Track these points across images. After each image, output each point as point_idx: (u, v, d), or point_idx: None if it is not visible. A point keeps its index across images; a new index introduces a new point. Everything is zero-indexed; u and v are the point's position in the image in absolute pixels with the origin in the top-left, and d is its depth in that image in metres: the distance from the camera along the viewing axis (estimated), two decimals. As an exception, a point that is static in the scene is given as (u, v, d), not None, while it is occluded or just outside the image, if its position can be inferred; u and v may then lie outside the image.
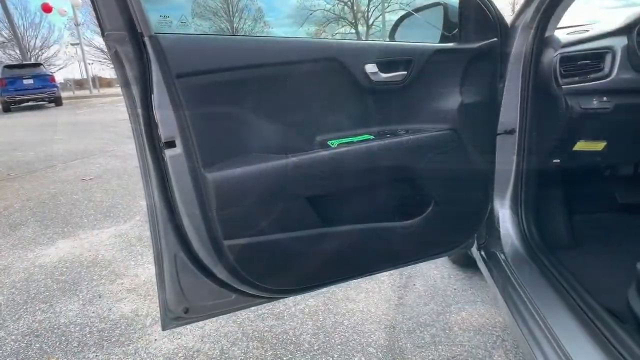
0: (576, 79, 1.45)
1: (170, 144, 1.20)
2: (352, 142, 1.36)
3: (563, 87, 1.45)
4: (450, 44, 1.53)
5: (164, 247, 1.33)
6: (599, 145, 1.57)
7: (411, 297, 2.23)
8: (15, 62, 23.01)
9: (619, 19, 1.61)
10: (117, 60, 1.17)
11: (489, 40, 1.50)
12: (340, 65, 1.32)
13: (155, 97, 1.15)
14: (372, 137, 1.41)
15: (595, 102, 1.44)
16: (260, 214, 1.26)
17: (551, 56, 1.49)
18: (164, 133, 1.17)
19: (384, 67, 1.39)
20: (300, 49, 1.28)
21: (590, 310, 1.34)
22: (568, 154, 1.64)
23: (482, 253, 1.93)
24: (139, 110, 1.19)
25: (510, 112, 1.67)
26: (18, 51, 27.80)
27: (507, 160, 1.74)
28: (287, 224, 1.30)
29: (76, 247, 3.17)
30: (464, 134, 1.52)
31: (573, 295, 1.46)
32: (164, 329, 1.41)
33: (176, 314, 1.39)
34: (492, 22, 1.49)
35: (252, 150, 1.29)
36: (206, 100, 1.19)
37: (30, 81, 15.94)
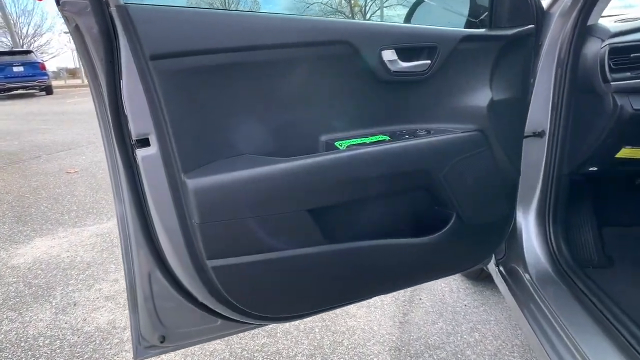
0: (628, 74, 1.25)
1: (143, 142, 0.97)
2: (364, 144, 1.14)
3: (612, 83, 1.24)
4: (481, 30, 1.31)
5: (137, 265, 1.11)
6: None
7: (417, 314, 2.03)
8: (4, 49, 22.49)
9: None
10: (78, 36, 0.94)
11: (525, 27, 1.29)
12: (353, 50, 1.10)
13: (124, 84, 0.92)
14: (387, 137, 1.19)
15: None
16: (253, 229, 1.04)
17: (597, 47, 1.28)
18: (135, 129, 0.95)
19: (404, 54, 1.17)
20: (305, 30, 1.06)
21: (632, 336, 1.15)
22: (608, 161, 1.44)
23: (501, 269, 1.73)
24: (106, 100, 0.97)
25: (539, 111, 1.46)
26: (10, 38, 27.19)
27: (533, 166, 1.53)
28: (284, 241, 1.08)
29: (54, 247, 2.93)
30: (491, 137, 1.31)
31: (610, 319, 1.27)
32: (136, 359, 1.20)
33: (151, 342, 1.17)
34: (529, 5, 1.27)
35: (243, 152, 1.07)
36: (188, 88, 0.96)
37: (21, 68, 15.50)
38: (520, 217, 1.61)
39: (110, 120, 0.98)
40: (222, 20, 0.98)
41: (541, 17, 1.35)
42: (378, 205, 1.21)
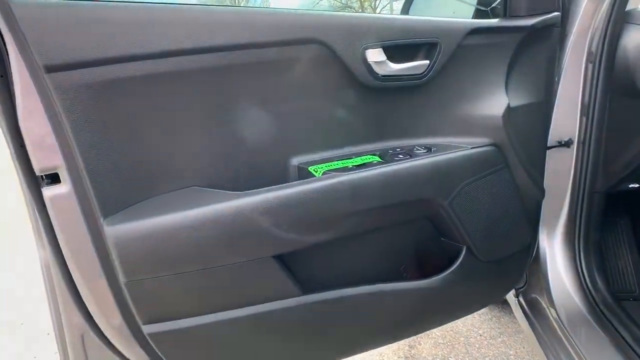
0: None
1: (53, 178, 0.75)
2: (346, 168, 0.90)
3: None
4: (493, 21, 1.06)
5: (66, 325, 0.89)
6: None
7: (426, 347, 1.78)
8: None
9: None
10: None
11: (548, 15, 1.03)
12: (328, 50, 0.86)
13: (18, 105, 0.70)
14: (377, 158, 0.95)
15: None
16: (198, 285, 0.81)
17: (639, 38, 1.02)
18: (38, 161, 0.73)
19: (396, 53, 0.93)
20: (264, 26, 0.82)
21: None
22: None
23: (521, 300, 1.48)
24: (4, 124, 0.75)
25: (566, 117, 1.20)
26: None
27: (559, 181, 1.27)
28: (243, 295, 0.85)
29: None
30: (509, 152, 1.06)
31: None
32: None
33: None
34: None
35: (188, 184, 0.84)
36: (105, 107, 0.74)
37: None
38: (544, 240, 1.35)
39: (12, 149, 0.76)
40: (147, 17, 0.75)
41: (567, 2, 1.10)
42: (367, 244, 0.97)
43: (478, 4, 1.14)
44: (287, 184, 0.84)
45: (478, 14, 1.15)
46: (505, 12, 1.06)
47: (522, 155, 1.08)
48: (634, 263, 1.38)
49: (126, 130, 0.76)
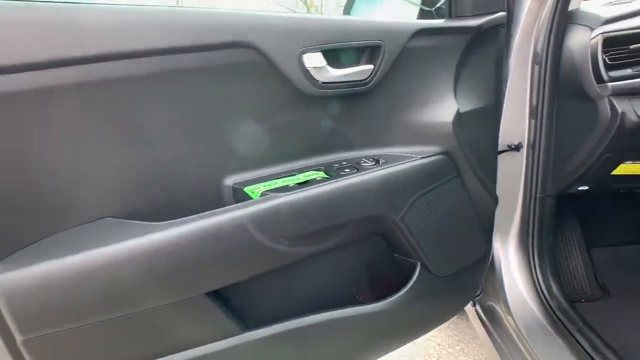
0: (629, 71, 0.97)
1: None
2: (286, 187, 0.80)
3: (609, 84, 0.96)
4: (439, 21, 1.00)
5: None
6: None
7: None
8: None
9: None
10: None
11: (494, 15, 0.99)
12: (258, 54, 0.75)
13: None
14: (322, 173, 0.86)
15: None
16: (119, 336, 0.68)
17: (585, 38, 1.00)
18: None
19: (337, 58, 0.84)
20: (184, 28, 0.70)
21: None
22: (603, 178, 1.18)
23: (478, 309, 1.44)
24: None
25: (514, 120, 1.17)
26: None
27: (510, 186, 1.24)
28: (177, 341, 0.73)
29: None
30: (460, 159, 1.00)
31: None
32: None
33: None
34: None
35: (100, 214, 0.71)
36: None
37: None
38: (498, 246, 1.32)
39: None
40: (41, 18, 0.61)
41: (512, 2, 1.06)
42: (315, 269, 0.88)
43: (422, 4, 1.08)
44: (219, 209, 0.73)
45: (423, 14, 1.10)
46: (451, 12, 1.00)
47: (473, 163, 1.03)
48: (584, 264, 1.38)
49: (16, 152, 0.62)
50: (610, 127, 0.97)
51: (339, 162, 0.90)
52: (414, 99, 0.96)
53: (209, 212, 0.72)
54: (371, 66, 0.86)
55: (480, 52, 0.99)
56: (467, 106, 0.99)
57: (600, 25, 0.97)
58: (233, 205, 0.74)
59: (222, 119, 0.78)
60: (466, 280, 1.14)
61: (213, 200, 0.80)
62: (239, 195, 0.79)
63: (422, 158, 0.93)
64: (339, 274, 0.93)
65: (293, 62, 0.78)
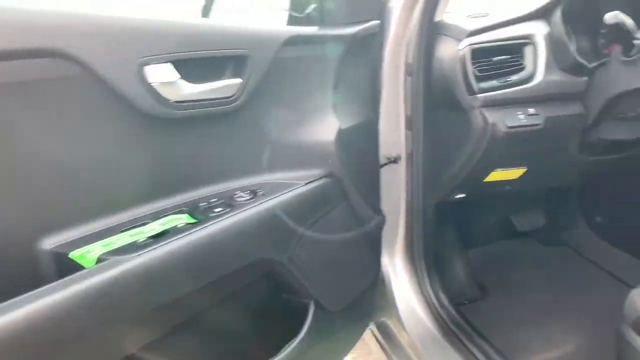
0: (495, 82, 0.99)
1: None
2: (136, 244, 0.59)
3: (479, 95, 0.97)
4: (312, 29, 0.89)
5: None
6: (518, 173, 1.16)
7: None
8: None
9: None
10: None
11: (369, 23, 0.92)
12: (78, 66, 0.54)
13: None
14: (185, 216, 0.67)
15: (521, 116, 0.99)
16: None
17: (453, 50, 0.99)
18: None
19: (193, 70, 0.67)
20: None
21: None
22: (477, 186, 1.21)
23: (372, 327, 1.39)
24: None
25: (391, 131, 1.13)
26: None
27: (393, 199, 1.21)
28: None
29: None
30: (345, 180, 0.91)
31: None
32: None
33: None
34: None
35: None
36: None
37: None
38: (386, 262, 1.27)
39: None
40: None
41: (383, 10, 1.01)
42: (188, 339, 0.69)
43: (291, 9, 0.97)
44: (30, 294, 0.50)
45: (292, 20, 0.98)
46: (323, 17, 0.90)
47: (358, 182, 0.95)
48: (463, 267, 1.42)
49: None
50: (483, 137, 0.98)
51: (207, 199, 0.72)
52: (290, 117, 0.83)
53: (12, 301, 0.48)
54: (238, 80, 0.71)
55: (356, 63, 0.91)
56: (348, 121, 0.89)
57: (466, 37, 0.97)
58: (52, 285, 0.51)
59: (29, 153, 0.54)
60: (362, 307, 1.06)
61: (25, 274, 0.55)
62: (64, 264, 0.56)
63: (305, 184, 0.81)
64: (223, 335, 0.76)
65: (130, 76, 0.58)
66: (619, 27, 0.83)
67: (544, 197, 1.55)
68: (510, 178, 1.15)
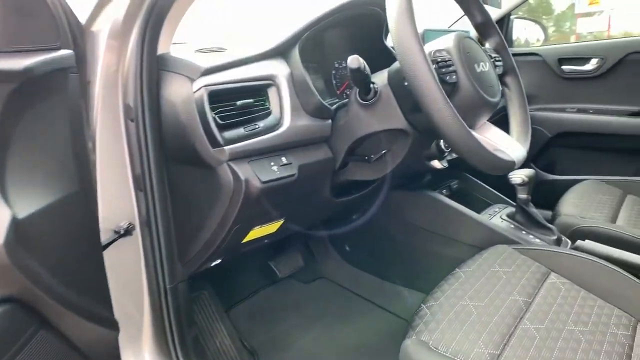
0: (242, 131, 0.81)
1: None
2: None
3: (226, 148, 0.77)
4: None
5: None
6: (276, 225, 1.03)
7: None
8: None
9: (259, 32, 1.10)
10: None
11: (53, 54, 0.61)
12: None
13: None
14: None
15: (275, 167, 0.83)
16: None
17: (186, 92, 0.77)
18: None
19: None
20: None
21: None
22: (234, 248, 1.02)
23: None
24: None
25: (115, 195, 0.85)
26: None
27: (130, 282, 0.92)
28: None
29: None
30: (39, 296, 0.57)
31: None
32: None
33: None
34: (53, 14, 0.61)
35: None
36: None
37: None
38: None
39: None
40: None
41: (79, 35, 0.72)
42: None
43: None
44: None
45: None
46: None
47: (66, 289, 0.63)
48: (228, 334, 1.23)
49: None
50: (236, 197, 0.81)
51: None
52: None
53: None
54: None
55: (37, 113, 0.59)
56: (32, 205, 0.57)
57: (201, 77, 0.78)
58: None
59: None
60: None
61: None
62: None
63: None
64: None
65: None
66: (360, 71, 0.80)
67: (300, 238, 1.53)
68: (270, 232, 1.03)
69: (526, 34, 2.31)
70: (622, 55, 1.69)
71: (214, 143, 0.78)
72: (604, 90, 1.77)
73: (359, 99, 0.90)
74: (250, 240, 0.99)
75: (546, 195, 1.55)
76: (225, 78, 0.81)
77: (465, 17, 1.02)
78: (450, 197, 1.28)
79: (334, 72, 1.14)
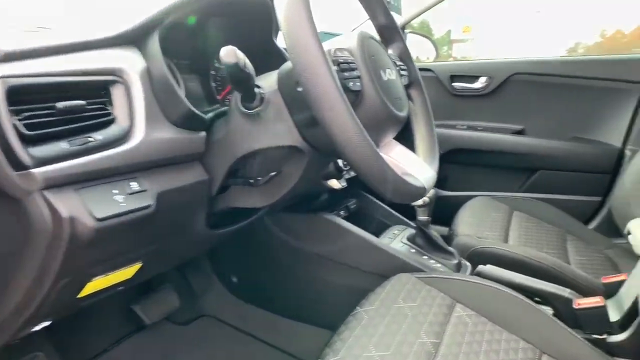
0: (62, 146, 0.53)
1: None
2: None
3: (37, 171, 0.50)
4: None
5: None
6: (132, 271, 0.76)
7: None
8: None
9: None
10: None
11: None
12: None
13: None
14: None
15: (119, 197, 0.59)
16: None
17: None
18: None
19: None
20: None
21: None
22: (68, 305, 0.73)
23: None
24: None
25: None
26: None
27: None
28: None
29: None
30: None
31: None
32: None
33: None
34: None
35: None
36: None
37: None
38: None
39: None
40: None
41: None
42: None
43: None
44: None
45: None
46: None
47: None
48: None
49: None
50: (57, 242, 0.55)
51: None
52: None
53: None
54: None
55: None
56: None
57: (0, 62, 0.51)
58: None
59: None
60: None
61: None
62: None
63: None
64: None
65: None
66: (237, 67, 0.60)
67: (174, 273, 1.27)
68: (123, 279, 0.77)
69: (417, 49, 2.33)
70: (507, 75, 1.76)
71: (18, 165, 0.51)
72: (492, 108, 1.83)
73: (240, 106, 0.71)
74: (92, 294, 0.72)
75: (441, 210, 1.52)
76: (40, 69, 0.55)
77: (368, 24, 0.89)
78: (347, 219, 1.15)
79: (213, 72, 0.93)
